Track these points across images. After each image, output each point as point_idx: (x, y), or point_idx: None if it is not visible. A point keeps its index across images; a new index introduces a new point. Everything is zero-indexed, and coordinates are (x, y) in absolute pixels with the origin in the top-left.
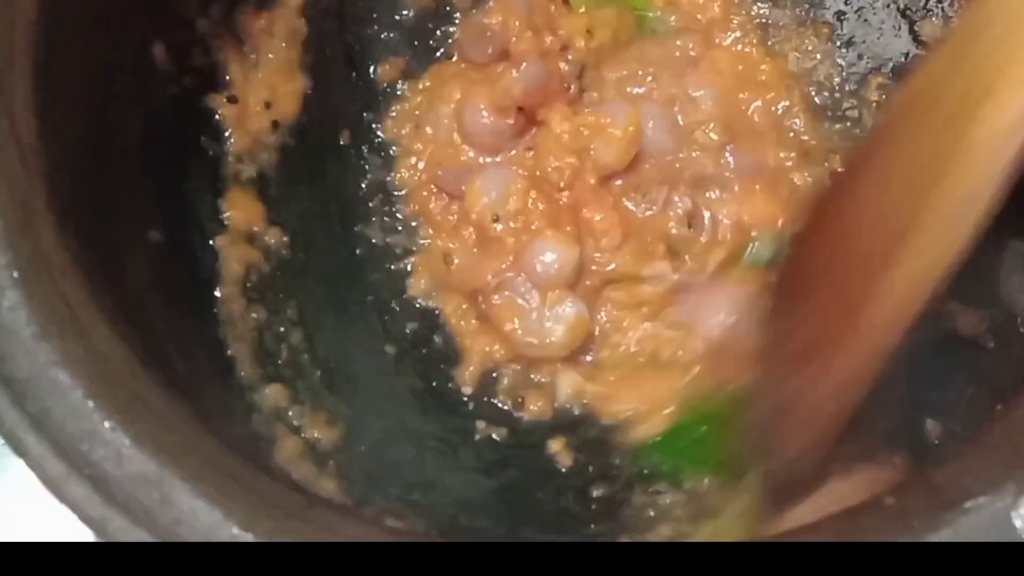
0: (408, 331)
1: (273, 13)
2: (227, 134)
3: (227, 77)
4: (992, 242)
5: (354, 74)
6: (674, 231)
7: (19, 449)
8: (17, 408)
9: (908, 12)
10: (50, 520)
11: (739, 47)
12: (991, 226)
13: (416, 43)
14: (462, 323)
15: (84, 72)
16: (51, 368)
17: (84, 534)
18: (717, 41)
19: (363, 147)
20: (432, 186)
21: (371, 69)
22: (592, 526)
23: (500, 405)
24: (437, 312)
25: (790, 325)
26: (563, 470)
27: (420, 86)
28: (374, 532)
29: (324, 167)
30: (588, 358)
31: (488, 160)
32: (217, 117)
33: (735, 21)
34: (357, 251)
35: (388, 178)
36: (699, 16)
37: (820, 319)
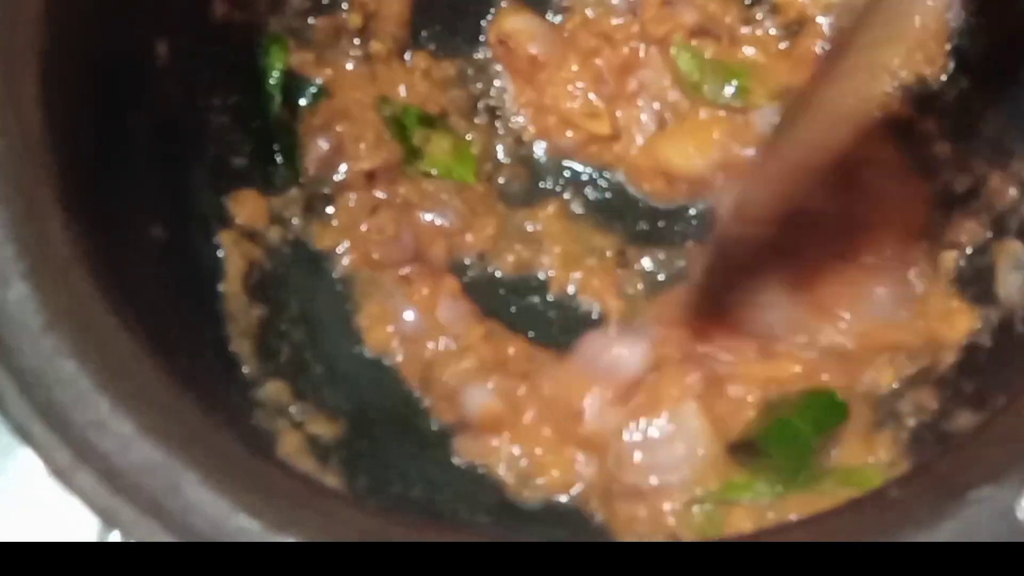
0: None
1: None
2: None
3: None
4: (992, 242)
5: None
6: None
7: (26, 439)
8: (25, 398)
9: None
10: (51, 520)
11: None
12: (991, 226)
13: None
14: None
15: (89, 65)
16: (58, 358)
17: (86, 530)
18: None
19: None
20: None
21: None
22: (592, 526)
23: None
24: None
25: None
26: None
27: None
28: (380, 522)
29: None
30: None
31: None
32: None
33: None
34: None
35: None
36: None
37: None
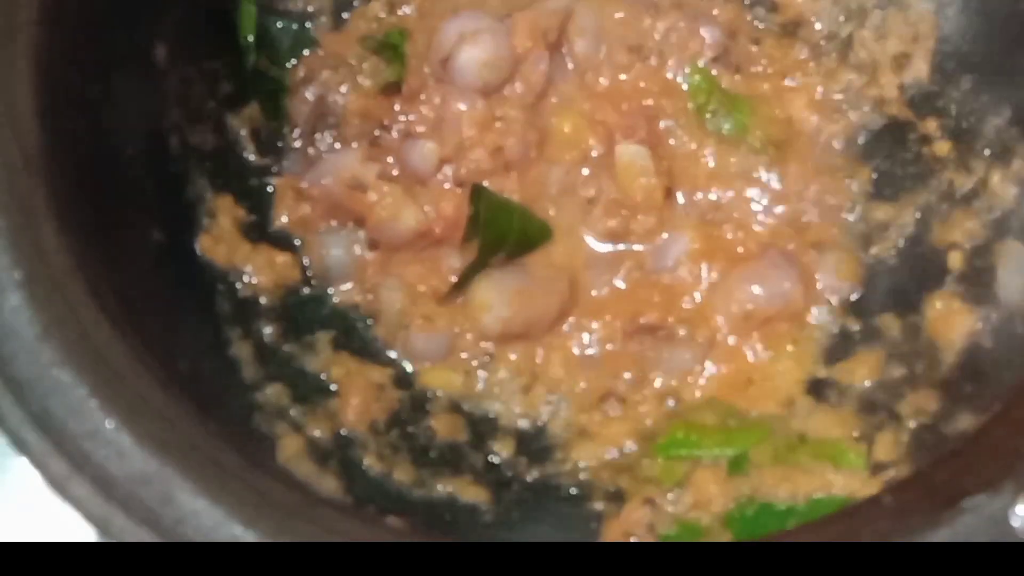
0: None
1: None
2: (232, 136)
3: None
4: (992, 242)
5: None
6: None
7: (22, 448)
8: (20, 408)
9: None
10: (50, 520)
11: None
12: (991, 226)
13: None
14: None
15: (85, 73)
16: (53, 368)
17: (84, 534)
18: None
19: None
20: None
21: None
22: (592, 525)
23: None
24: None
25: None
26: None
27: None
28: (375, 532)
29: None
30: None
31: None
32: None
33: None
34: None
35: None
36: None
37: None
